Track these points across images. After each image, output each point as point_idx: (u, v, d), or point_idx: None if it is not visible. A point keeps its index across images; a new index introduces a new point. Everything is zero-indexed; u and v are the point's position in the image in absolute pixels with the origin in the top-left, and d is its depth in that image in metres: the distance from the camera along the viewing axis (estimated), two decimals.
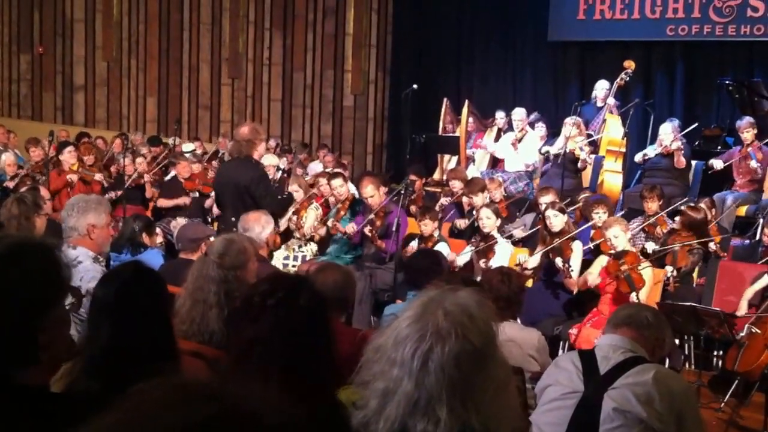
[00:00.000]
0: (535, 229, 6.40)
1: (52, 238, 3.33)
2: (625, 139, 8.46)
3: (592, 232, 6.13)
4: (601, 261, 5.44)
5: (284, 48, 13.10)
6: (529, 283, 5.90)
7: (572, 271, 5.52)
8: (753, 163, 7.45)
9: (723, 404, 4.81)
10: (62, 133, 11.35)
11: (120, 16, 13.19)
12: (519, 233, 6.53)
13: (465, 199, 7.53)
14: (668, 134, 7.76)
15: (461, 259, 6.05)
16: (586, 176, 8.51)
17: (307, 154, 11.61)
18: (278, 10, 13.02)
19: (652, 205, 6.48)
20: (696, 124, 8.16)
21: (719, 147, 8.56)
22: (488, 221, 6.08)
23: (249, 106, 13.26)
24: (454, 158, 9.70)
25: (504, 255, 6.00)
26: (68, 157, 8.25)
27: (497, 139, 9.61)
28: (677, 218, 6.08)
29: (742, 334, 4.90)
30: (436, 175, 9.88)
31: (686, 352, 5.55)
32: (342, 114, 13.21)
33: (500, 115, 9.74)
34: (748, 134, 7.61)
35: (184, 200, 7.85)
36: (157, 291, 2.06)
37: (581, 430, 2.38)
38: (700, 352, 5.47)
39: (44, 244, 1.50)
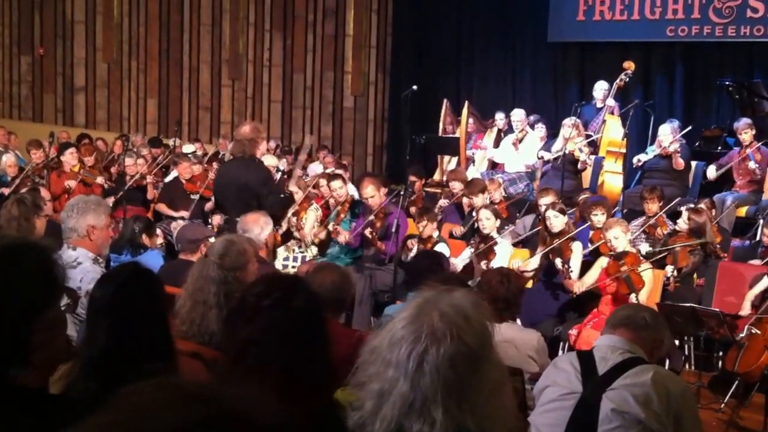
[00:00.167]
0: (535, 230, 6.40)
1: (49, 239, 3.33)
2: (625, 140, 8.46)
3: (591, 233, 6.13)
4: (601, 262, 5.44)
5: (284, 49, 13.11)
6: (529, 284, 5.90)
7: (572, 272, 5.52)
8: (751, 164, 7.45)
9: (723, 405, 4.81)
10: (63, 134, 11.38)
11: (120, 17, 13.20)
12: (507, 239, 6.43)
13: (465, 200, 7.53)
14: (667, 135, 7.76)
15: (460, 262, 6.05)
16: (586, 177, 8.51)
17: (307, 155, 11.61)
18: (278, 11, 13.03)
19: (652, 207, 6.48)
20: (690, 128, 8.14)
21: (719, 148, 8.56)
22: (488, 222, 6.08)
23: (249, 108, 13.27)
24: (454, 159, 9.71)
25: (504, 256, 6.00)
26: (69, 158, 8.27)
27: (497, 139, 9.61)
28: (679, 221, 6.08)
29: (742, 335, 4.90)
30: (436, 176, 9.89)
31: (686, 353, 5.55)
32: (342, 115, 13.22)
33: (500, 116, 9.74)
34: (746, 135, 7.61)
35: (182, 214, 7.85)
36: (154, 292, 2.07)
37: (580, 431, 2.38)
38: (700, 352, 5.47)
39: (39, 245, 1.50)
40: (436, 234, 6.26)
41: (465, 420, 1.27)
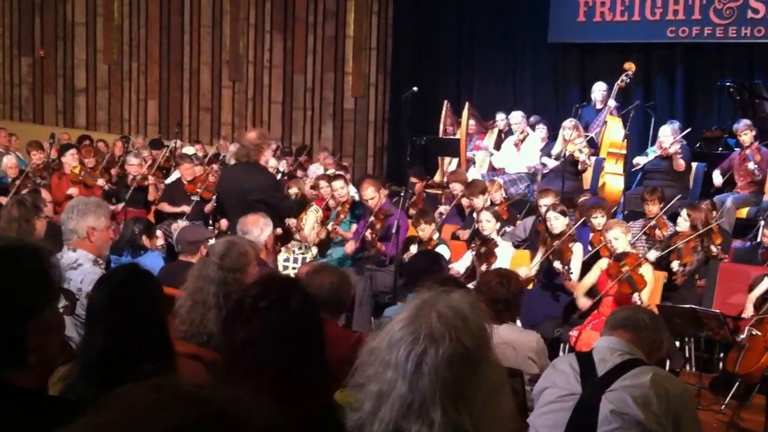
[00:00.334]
0: (535, 233, 6.40)
1: (47, 241, 3.33)
2: (625, 141, 8.46)
3: (591, 235, 6.12)
4: (601, 264, 5.44)
5: (285, 51, 13.13)
6: (530, 285, 5.89)
7: (572, 273, 5.52)
8: (750, 165, 7.45)
9: (723, 406, 4.81)
10: (63, 136, 11.39)
11: (121, 19, 13.22)
12: (509, 243, 6.45)
13: (465, 202, 7.53)
14: (667, 137, 7.76)
15: (462, 266, 6.04)
16: (587, 178, 8.51)
17: (307, 156, 11.62)
18: (279, 13, 13.04)
19: (653, 208, 6.48)
20: (689, 129, 8.14)
21: (720, 149, 8.55)
22: (488, 224, 6.07)
23: (250, 109, 13.28)
24: (455, 160, 9.71)
25: (505, 258, 5.99)
26: (70, 159, 8.26)
27: (498, 140, 9.61)
28: (679, 219, 6.07)
29: (742, 337, 4.90)
30: (437, 178, 9.88)
31: (687, 355, 5.55)
32: (342, 117, 13.23)
33: (500, 117, 9.73)
34: (746, 136, 7.61)
35: (183, 209, 7.84)
36: (153, 293, 2.07)
37: None
38: (700, 354, 5.47)
39: (36, 247, 1.50)
40: (436, 236, 6.25)
41: (463, 421, 1.27)
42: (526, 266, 5.90)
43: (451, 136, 9.89)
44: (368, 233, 6.11)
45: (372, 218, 6.14)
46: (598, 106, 9.07)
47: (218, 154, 10.79)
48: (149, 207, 8.30)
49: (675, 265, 5.60)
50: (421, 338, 1.30)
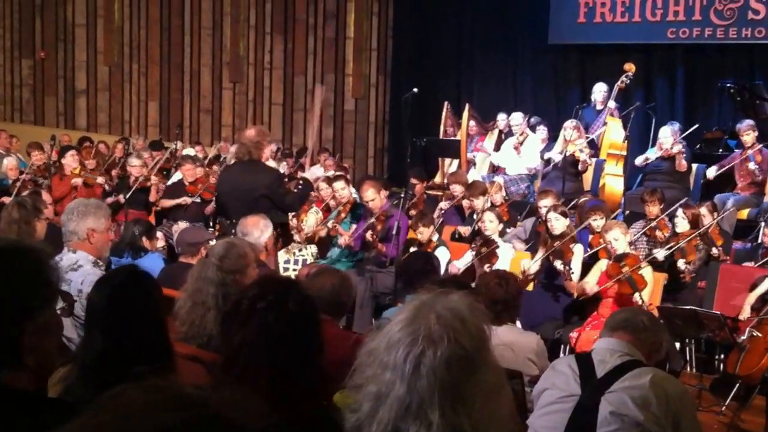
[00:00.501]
0: (536, 234, 6.40)
1: (45, 243, 3.33)
2: (626, 142, 8.46)
3: (591, 237, 6.12)
4: (600, 265, 5.44)
5: (285, 52, 13.14)
6: (530, 286, 5.89)
7: (573, 273, 5.52)
8: (751, 166, 7.45)
9: (724, 408, 4.80)
10: (64, 137, 11.39)
11: (121, 21, 13.23)
12: (519, 245, 6.49)
13: (465, 203, 7.53)
14: (668, 138, 7.76)
15: (462, 264, 6.04)
16: (587, 179, 8.51)
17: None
18: (279, 14, 13.05)
19: (653, 209, 6.48)
20: (696, 126, 8.14)
21: (720, 150, 8.55)
22: (491, 225, 6.08)
23: (250, 110, 13.29)
24: (455, 162, 9.71)
25: (506, 259, 5.99)
26: (70, 161, 8.26)
27: (498, 141, 9.61)
28: (677, 220, 6.07)
29: (743, 338, 4.89)
30: (437, 179, 9.88)
31: (687, 356, 5.55)
32: (343, 118, 13.24)
33: (501, 118, 9.73)
34: (748, 137, 7.60)
35: (184, 199, 7.81)
36: (151, 294, 2.07)
37: None
38: (701, 355, 5.47)
39: (33, 248, 1.50)
40: (435, 237, 6.25)
41: (461, 423, 1.27)
42: (528, 260, 5.91)
43: (452, 138, 9.90)
44: (369, 234, 6.11)
45: (373, 220, 6.14)
46: (599, 107, 9.07)
47: (219, 155, 10.80)
48: (150, 208, 8.30)
49: (681, 263, 5.61)
50: (419, 340, 1.29)
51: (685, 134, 7.96)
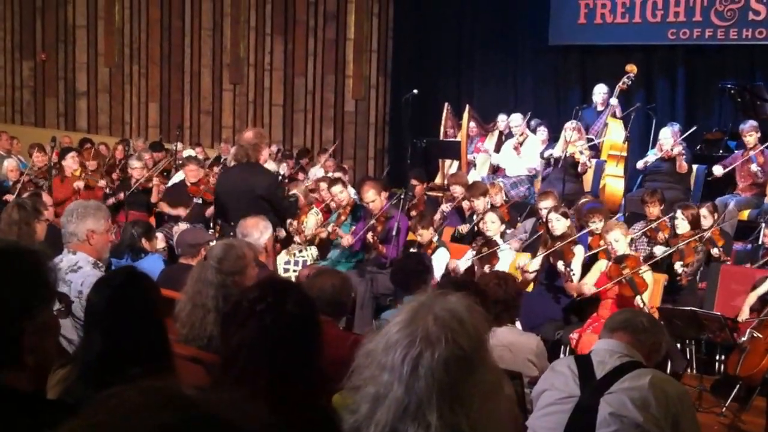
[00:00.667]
0: (536, 235, 6.39)
1: (43, 244, 3.33)
2: (626, 143, 8.46)
3: (590, 239, 6.11)
4: (600, 266, 5.43)
5: (285, 53, 13.13)
6: (530, 287, 5.89)
7: (573, 274, 5.51)
8: (753, 167, 7.44)
9: (724, 409, 4.80)
10: (65, 139, 11.39)
11: (122, 22, 13.23)
12: (515, 244, 6.50)
13: (465, 204, 7.53)
14: (668, 139, 7.76)
15: (462, 264, 6.04)
16: (588, 180, 8.50)
17: (307, 158, 11.63)
18: (279, 15, 13.05)
19: (653, 210, 6.47)
20: (695, 128, 8.13)
21: (721, 151, 8.54)
22: (492, 225, 6.08)
23: (251, 112, 13.29)
24: (456, 163, 9.70)
25: (507, 261, 5.99)
26: (71, 162, 8.26)
27: (499, 142, 9.60)
28: (677, 221, 6.07)
29: (743, 339, 4.89)
30: (438, 180, 9.88)
31: (688, 357, 5.54)
32: (343, 119, 13.24)
33: (502, 118, 9.72)
34: (750, 138, 7.59)
35: (179, 212, 7.83)
36: (150, 296, 2.07)
37: None
38: (701, 356, 5.46)
39: (31, 249, 1.51)
40: (435, 238, 6.25)
41: (459, 423, 1.27)
42: (526, 256, 5.91)
43: (452, 139, 9.90)
44: (370, 236, 6.10)
45: (373, 221, 6.14)
46: (599, 108, 9.07)
47: (219, 157, 10.80)
48: (151, 209, 8.31)
49: (678, 266, 5.60)
50: (417, 341, 1.29)
51: (685, 135, 7.95)
